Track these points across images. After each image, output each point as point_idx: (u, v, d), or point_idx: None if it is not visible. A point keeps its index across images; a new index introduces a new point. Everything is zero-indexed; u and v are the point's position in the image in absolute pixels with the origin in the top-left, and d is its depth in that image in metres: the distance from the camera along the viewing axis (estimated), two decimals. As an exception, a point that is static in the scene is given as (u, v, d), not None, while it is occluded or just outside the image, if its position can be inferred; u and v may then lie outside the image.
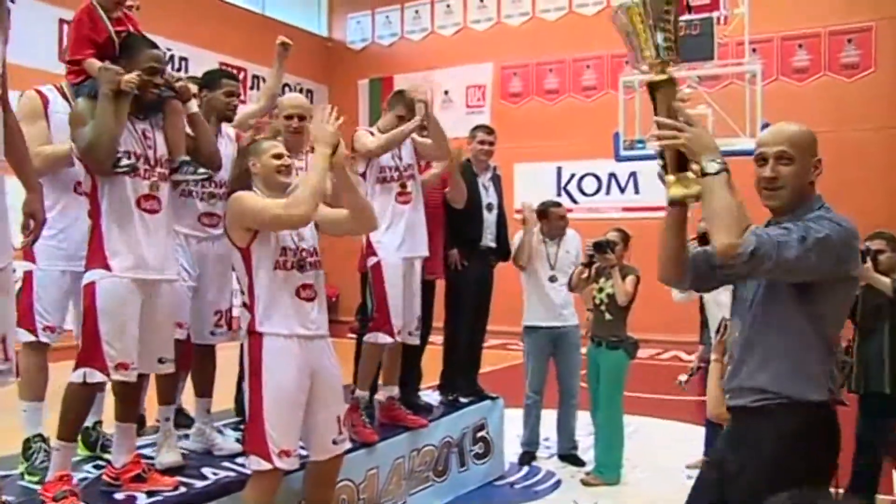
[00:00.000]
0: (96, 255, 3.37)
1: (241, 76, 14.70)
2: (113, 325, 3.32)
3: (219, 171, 3.93)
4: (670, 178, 2.51)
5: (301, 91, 15.97)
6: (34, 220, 2.95)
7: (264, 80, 15.31)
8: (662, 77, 2.49)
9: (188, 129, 3.75)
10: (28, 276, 3.76)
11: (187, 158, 3.67)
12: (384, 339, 4.49)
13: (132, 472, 3.44)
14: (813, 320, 2.43)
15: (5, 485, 3.41)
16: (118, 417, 3.54)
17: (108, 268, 3.34)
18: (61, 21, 10.47)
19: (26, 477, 3.59)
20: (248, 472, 3.44)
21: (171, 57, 13.51)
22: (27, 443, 3.69)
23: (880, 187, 11.91)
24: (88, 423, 3.97)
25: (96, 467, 3.80)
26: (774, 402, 2.44)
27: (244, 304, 3.43)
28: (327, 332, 3.54)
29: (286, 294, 3.38)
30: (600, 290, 5.70)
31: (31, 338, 3.68)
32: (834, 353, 2.51)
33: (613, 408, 5.66)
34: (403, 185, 4.66)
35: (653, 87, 2.53)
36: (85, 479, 3.67)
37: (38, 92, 3.72)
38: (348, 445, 3.70)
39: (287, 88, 15.73)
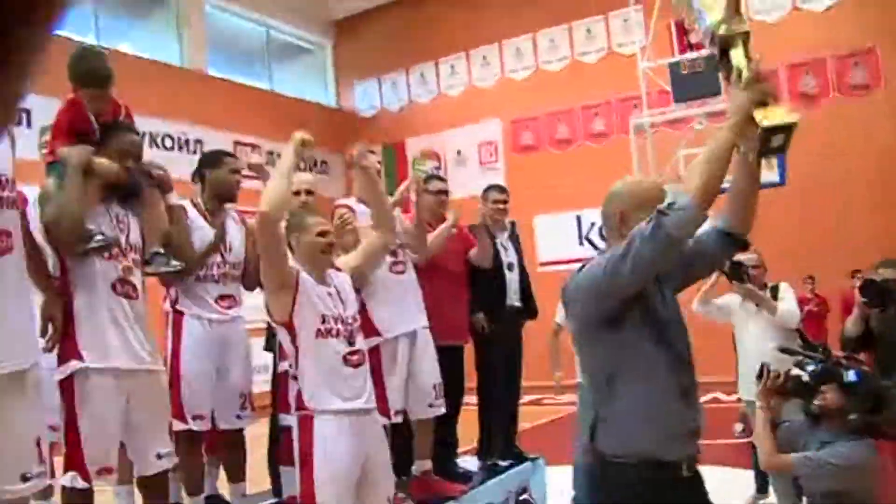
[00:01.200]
0: (68, 346, 3.19)
1: (255, 153, 14.90)
2: (91, 424, 3.16)
3: (192, 265, 3.81)
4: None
5: (315, 163, 16.14)
6: (53, 325, 2.93)
7: (278, 155, 15.47)
8: (744, 30, 2.47)
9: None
10: None
11: (160, 250, 3.55)
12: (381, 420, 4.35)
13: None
14: None
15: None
16: None
17: (81, 359, 3.17)
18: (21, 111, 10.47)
19: None
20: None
21: (187, 140, 13.73)
22: None
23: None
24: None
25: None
26: None
27: (293, 377, 3.36)
28: (374, 404, 3.46)
29: (333, 362, 3.30)
30: None
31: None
32: None
33: None
34: (395, 255, 4.46)
35: (729, 41, 2.48)
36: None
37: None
38: None
39: (302, 162, 15.91)
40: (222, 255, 4.00)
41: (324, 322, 3.31)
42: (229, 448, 4.13)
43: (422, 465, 4.66)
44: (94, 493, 3.34)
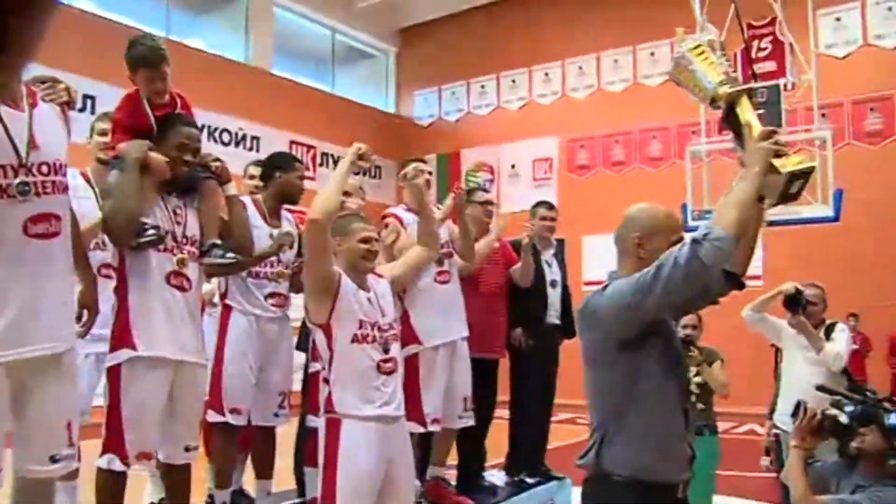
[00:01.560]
0: (121, 335, 3.27)
1: (310, 154, 15.11)
2: (135, 411, 3.23)
3: (250, 256, 3.83)
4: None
5: (369, 167, 16.25)
6: (88, 312, 3.00)
7: (333, 157, 15.74)
8: (741, 87, 2.67)
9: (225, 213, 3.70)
10: None
11: (217, 241, 3.56)
12: (416, 428, 4.33)
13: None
14: None
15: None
16: (169, 500, 3.52)
17: (133, 347, 3.24)
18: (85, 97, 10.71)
19: None
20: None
21: (245, 136, 13.95)
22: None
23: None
24: (155, 498, 3.98)
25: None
26: None
27: (325, 380, 3.38)
28: (403, 412, 3.46)
29: (366, 368, 3.32)
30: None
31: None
32: None
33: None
34: (441, 263, 4.51)
35: (735, 100, 2.66)
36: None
37: (82, 174, 3.76)
38: None
39: (356, 171, 16.04)
40: (278, 255, 4.05)
41: (361, 328, 3.33)
42: (261, 444, 4.16)
43: (434, 471, 4.68)
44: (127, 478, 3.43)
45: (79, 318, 2.96)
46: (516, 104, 16.38)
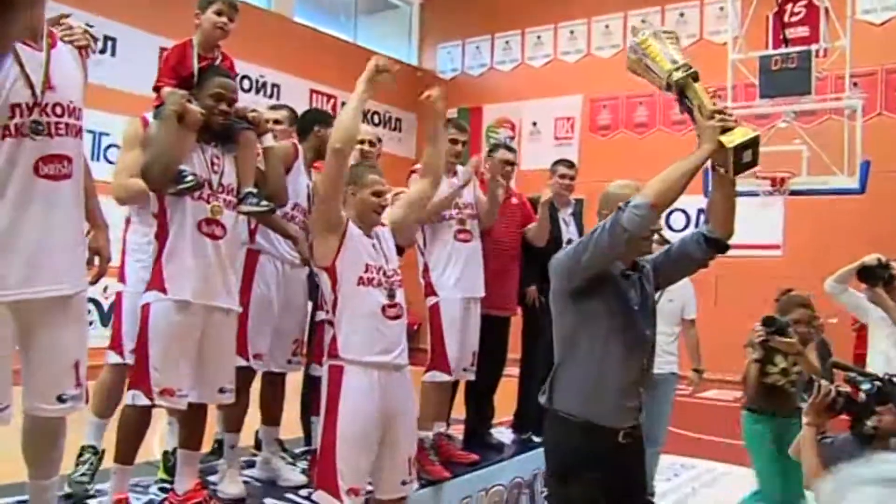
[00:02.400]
0: (155, 278, 3.35)
1: (330, 103, 15.00)
2: (161, 349, 3.28)
3: (283, 206, 3.89)
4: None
5: (390, 119, 16.16)
6: (99, 257, 2.98)
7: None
8: (692, 71, 2.92)
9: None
10: (119, 297, 3.84)
11: (253, 190, 3.61)
12: (441, 377, 4.41)
13: (193, 499, 3.41)
14: None
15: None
16: (181, 443, 3.53)
17: (163, 290, 3.30)
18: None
19: (65, 486, 3.61)
20: (310, 504, 3.38)
21: (265, 84, 13.84)
22: (82, 450, 3.75)
23: None
24: (169, 447, 3.99)
25: (162, 490, 3.78)
26: None
27: (328, 322, 3.38)
28: (407, 362, 3.44)
29: (372, 311, 3.31)
30: (783, 371, 4.82)
31: (119, 360, 3.74)
32: None
33: None
34: (462, 223, 4.57)
35: (684, 85, 2.93)
36: (150, 501, 3.68)
37: (143, 118, 3.73)
38: (415, 487, 3.60)
39: (376, 116, 15.98)
40: (308, 205, 4.06)
41: (367, 271, 3.33)
42: (269, 391, 4.15)
43: (437, 427, 4.68)
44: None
45: (90, 263, 2.94)
46: (541, 61, 16.16)
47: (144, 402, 3.28)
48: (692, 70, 2.94)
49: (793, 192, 10.04)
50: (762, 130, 11.14)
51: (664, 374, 5.64)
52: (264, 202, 3.62)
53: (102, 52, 11.12)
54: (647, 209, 2.76)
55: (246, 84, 13.55)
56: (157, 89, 3.59)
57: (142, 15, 11.67)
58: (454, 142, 4.54)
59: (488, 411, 5.29)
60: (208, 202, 3.42)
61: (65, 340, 2.78)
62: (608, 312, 2.96)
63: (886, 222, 12.07)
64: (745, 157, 2.83)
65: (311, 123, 4.22)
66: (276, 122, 4.46)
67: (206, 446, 4.25)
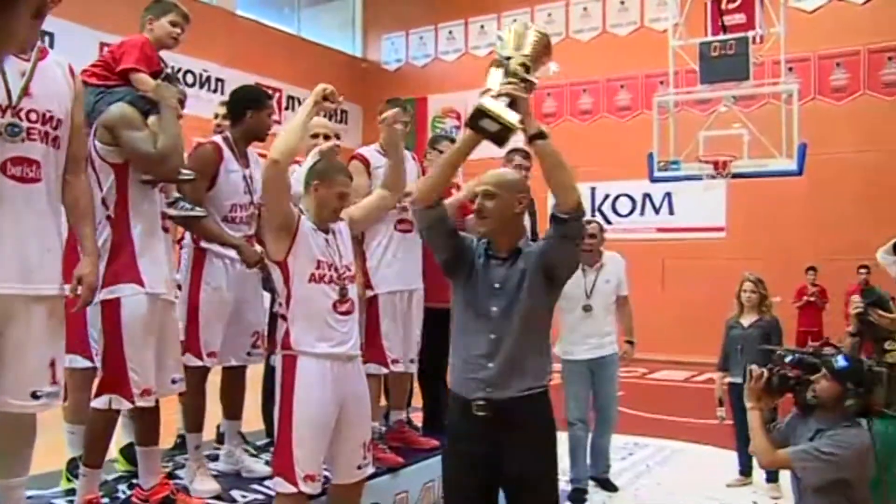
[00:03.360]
0: (126, 270, 3.28)
1: (276, 97, 14.90)
2: (137, 348, 3.27)
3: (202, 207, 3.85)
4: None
5: (335, 111, 16.09)
6: (82, 285, 2.94)
7: (299, 101, 15.57)
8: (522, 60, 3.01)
9: None
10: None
11: (180, 195, 3.65)
12: (378, 369, 4.42)
13: (160, 493, 3.43)
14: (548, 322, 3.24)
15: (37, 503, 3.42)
16: (139, 441, 3.52)
17: (141, 283, 3.26)
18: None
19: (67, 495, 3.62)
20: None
21: (209, 78, 13.71)
22: (74, 461, 3.70)
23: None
24: (130, 439, 3.98)
25: (130, 486, 3.78)
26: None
27: (282, 316, 3.40)
28: (359, 352, 3.51)
29: (323, 308, 3.35)
30: None
31: (87, 364, 3.66)
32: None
33: None
34: (405, 211, 4.45)
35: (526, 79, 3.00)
36: (117, 499, 3.68)
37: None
38: (371, 471, 3.65)
39: (319, 113, 15.89)
40: (251, 198, 4.01)
41: (318, 267, 3.36)
42: (230, 384, 4.16)
43: (396, 415, 4.73)
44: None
45: (73, 291, 2.94)
46: (484, 51, 16.21)
47: (126, 405, 3.27)
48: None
49: (734, 175, 10.29)
50: (703, 115, 11.45)
51: (607, 356, 5.77)
52: (199, 208, 3.66)
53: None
54: (414, 204, 3.26)
55: (190, 79, 13.41)
56: (128, 72, 3.48)
57: (80, 10, 11.48)
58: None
59: (443, 396, 5.35)
60: (164, 197, 3.49)
61: (40, 339, 2.81)
62: (463, 292, 3.20)
63: (824, 202, 12.45)
64: (487, 126, 2.94)
65: (242, 108, 4.07)
66: (225, 116, 4.46)
67: (168, 441, 4.27)
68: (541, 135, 3.02)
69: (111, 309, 3.26)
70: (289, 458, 3.25)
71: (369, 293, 4.41)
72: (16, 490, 2.97)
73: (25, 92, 2.79)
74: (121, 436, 4.13)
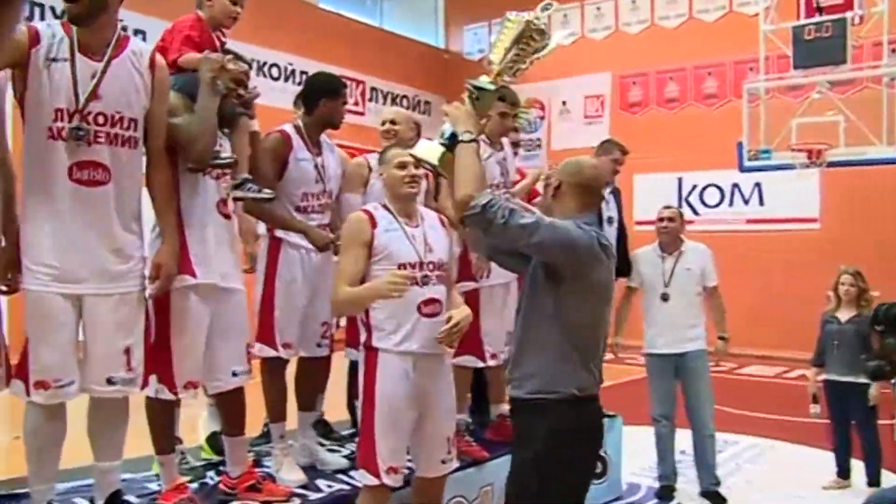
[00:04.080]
0: (179, 261, 3.22)
1: (359, 89, 15.01)
2: (184, 339, 3.25)
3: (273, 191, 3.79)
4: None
5: (418, 102, 16.12)
6: (160, 272, 3.04)
7: (381, 92, 15.67)
8: (491, 86, 3.03)
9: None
10: None
11: (248, 176, 3.58)
12: (474, 362, 4.40)
13: (247, 482, 3.46)
14: (559, 322, 2.92)
15: (130, 486, 3.47)
16: (226, 431, 3.55)
17: (192, 274, 3.22)
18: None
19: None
20: (360, 484, 3.41)
21: (293, 71, 13.87)
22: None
23: None
24: (216, 428, 4.01)
25: (218, 472, 3.82)
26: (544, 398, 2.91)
27: (361, 322, 3.35)
28: (446, 350, 3.43)
29: (406, 311, 3.25)
30: None
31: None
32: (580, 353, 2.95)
33: None
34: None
35: (480, 88, 3.03)
36: (205, 484, 3.72)
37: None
38: (455, 465, 3.59)
39: (404, 100, 15.95)
40: (323, 186, 3.99)
41: (404, 269, 3.27)
42: (303, 375, 4.13)
43: (497, 409, 4.66)
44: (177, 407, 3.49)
45: (151, 278, 3.06)
46: (567, 39, 16.00)
47: (168, 396, 3.28)
48: (493, 87, 3.08)
49: (830, 164, 9.90)
50: (796, 102, 11.04)
51: (691, 352, 5.47)
52: (266, 190, 3.61)
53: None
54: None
55: (275, 72, 13.58)
56: (173, 64, 3.36)
57: (170, 7, 11.72)
58: (504, 115, 4.50)
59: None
60: (222, 182, 3.41)
61: (116, 327, 2.95)
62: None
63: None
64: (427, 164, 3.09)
65: (316, 97, 4.04)
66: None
67: (255, 430, 4.29)
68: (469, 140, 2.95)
69: (159, 298, 3.24)
70: (372, 451, 3.24)
71: (471, 285, 4.36)
72: (111, 473, 3.07)
73: (94, 95, 2.86)
74: (208, 424, 4.19)
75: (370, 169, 4.31)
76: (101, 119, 2.87)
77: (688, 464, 5.68)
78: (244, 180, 3.55)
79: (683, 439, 5.65)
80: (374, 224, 3.31)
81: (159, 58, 3.09)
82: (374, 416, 3.25)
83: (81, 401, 3.06)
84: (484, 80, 3.03)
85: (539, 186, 4.92)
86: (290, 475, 3.74)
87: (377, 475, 3.23)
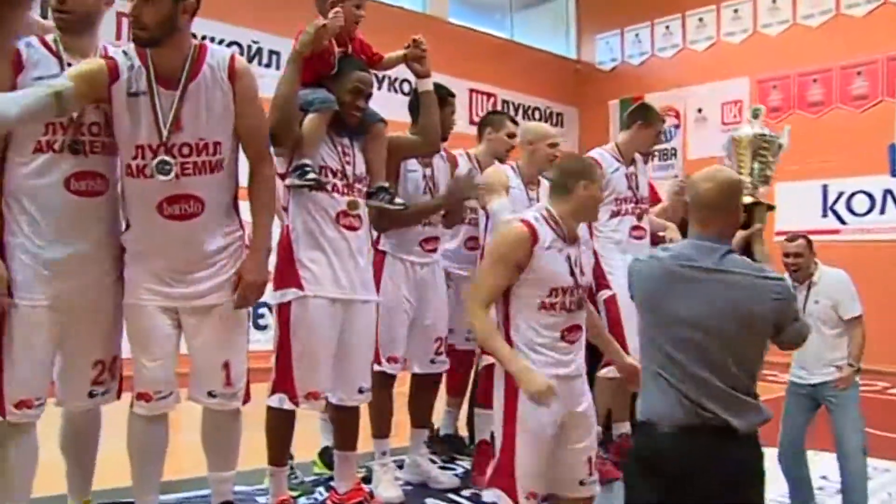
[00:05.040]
0: (288, 273, 3.31)
1: (490, 101, 15.01)
2: (304, 349, 3.27)
3: (434, 151, 3.93)
4: None
5: (550, 114, 15.97)
6: (243, 280, 3.01)
7: (513, 104, 15.60)
8: (750, 200, 3.26)
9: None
10: None
11: (385, 184, 3.55)
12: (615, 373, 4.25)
13: (354, 498, 3.44)
14: None
15: (242, 499, 3.53)
16: (337, 445, 3.55)
17: (300, 286, 3.27)
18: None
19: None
20: (470, 504, 3.35)
21: (424, 87, 14.01)
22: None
23: None
24: (328, 442, 4.04)
25: (327, 489, 3.83)
26: None
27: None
28: (581, 372, 3.30)
29: (550, 338, 3.13)
30: None
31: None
32: None
33: None
34: (640, 218, 4.63)
35: (745, 208, 3.35)
36: (314, 500, 3.73)
37: None
38: (597, 490, 3.40)
39: (537, 112, 15.84)
40: (430, 197, 3.97)
41: (553, 295, 3.13)
42: (417, 392, 4.10)
43: (619, 428, 4.50)
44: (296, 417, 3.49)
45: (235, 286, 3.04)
46: (703, 44, 15.49)
47: (290, 406, 3.32)
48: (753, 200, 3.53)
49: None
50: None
51: (830, 381, 5.04)
52: (398, 199, 3.58)
53: (268, 65, 11.59)
54: None
55: (406, 87, 13.75)
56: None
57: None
58: (511, 136, 4.49)
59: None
60: (343, 195, 3.39)
61: (211, 344, 3.00)
62: None
63: None
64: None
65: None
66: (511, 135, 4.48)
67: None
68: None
69: (281, 311, 3.33)
70: (510, 474, 3.12)
71: (607, 293, 4.27)
72: (225, 483, 3.13)
73: (176, 125, 2.84)
74: (320, 439, 4.21)
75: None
76: (185, 150, 2.86)
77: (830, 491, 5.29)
78: (379, 188, 3.56)
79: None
80: (534, 241, 3.13)
81: (239, 63, 3.00)
82: (515, 438, 3.12)
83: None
84: (748, 200, 3.37)
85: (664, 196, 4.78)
86: (388, 492, 3.70)
87: (515, 499, 3.11)
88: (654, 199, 5.26)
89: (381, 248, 3.92)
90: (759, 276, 2.76)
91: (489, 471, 3.34)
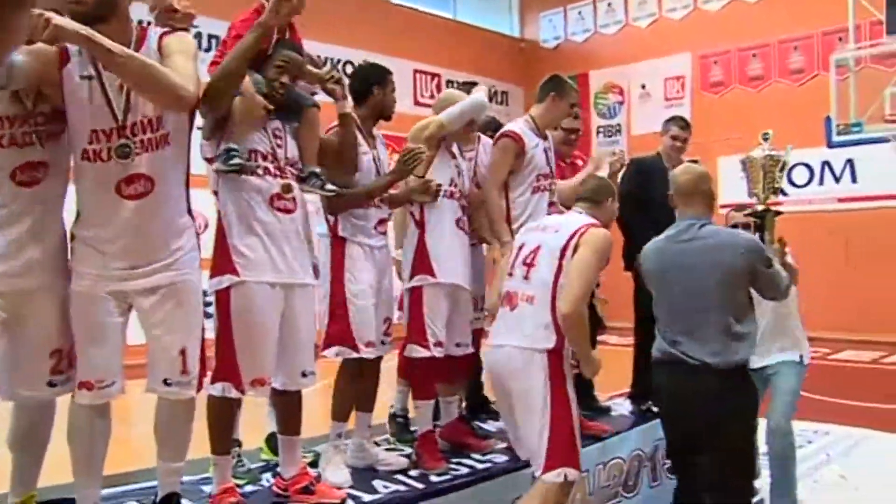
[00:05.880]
0: (223, 260, 3.24)
1: (434, 82, 14.96)
2: (246, 335, 3.21)
3: (352, 177, 3.77)
4: None
5: (496, 93, 15.96)
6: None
7: (458, 84, 15.53)
8: (762, 207, 3.91)
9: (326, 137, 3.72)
10: None
11: (316, 170, 3.49)
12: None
13: (300, 483, 3.40)
14: None
15: (187, 489, 3.45)
16: (280, 430, 3.50)
17: (234, 272, 3.20)
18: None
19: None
20: (420, 486, 3.43)
21: (369, 68, 13.91)
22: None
23: None
24: (274, 429, 3.99)
25: (274, 475, 3.78)
26: None
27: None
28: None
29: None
30: None
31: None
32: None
33: None
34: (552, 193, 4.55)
35: (757, 215, 3.94)
36: (261, 487, 3.69)
37: None
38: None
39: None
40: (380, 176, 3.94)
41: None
42: (363, 377, 4.05)
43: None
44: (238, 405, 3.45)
45: None
46: (646, 21, 15.60)
47: (235, 394, 3.26)
48: (773, 211, 3.91)
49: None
50: (890, 71, 10.49)
51: (775, 366, 4.93)
52: (329, 185, 3.52)
53: (207, 50, 11.40)
54: None
55: (349, 69, 13.63)
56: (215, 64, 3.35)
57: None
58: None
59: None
60: (275, 177, 3.31)
61: (167, 329, 2.93)
62: None
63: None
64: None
65: (369, 85, 3.98)
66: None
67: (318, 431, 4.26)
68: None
69: (220, 298, 3.25)
70: (572, 448, 3.46)
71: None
72: (173, 475, 3.08)
73: (128, 106, 2.81)
74: (267, 425, 4.16)
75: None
76: (137, 128, 2.83)
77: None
78: (311, 174, 3.49)
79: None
80: None
81: (168, 36, 2.94)
82: (571, 413, 3.47)
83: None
84: (759, 208, 3.90)
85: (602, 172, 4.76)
86: (335, 476, 3.65)
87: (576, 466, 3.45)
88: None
89: (340, 234, 3.83)
90: (730, 237, 3.54)
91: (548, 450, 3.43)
